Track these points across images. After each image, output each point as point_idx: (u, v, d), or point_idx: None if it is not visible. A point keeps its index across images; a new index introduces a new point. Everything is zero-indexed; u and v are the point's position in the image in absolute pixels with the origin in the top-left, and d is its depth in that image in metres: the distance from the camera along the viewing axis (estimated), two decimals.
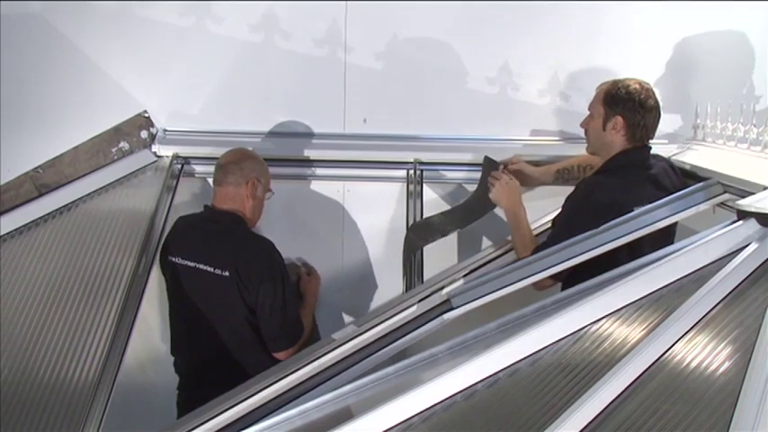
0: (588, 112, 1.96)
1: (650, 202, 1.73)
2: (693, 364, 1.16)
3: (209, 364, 2.00)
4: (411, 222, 2.28)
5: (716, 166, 1.85)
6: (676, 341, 1.21)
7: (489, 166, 2.14)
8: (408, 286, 2.13)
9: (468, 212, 2.20)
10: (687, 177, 1.95)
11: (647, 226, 1.67)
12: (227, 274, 1.92)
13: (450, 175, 2.37)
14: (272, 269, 1.96)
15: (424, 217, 2.27)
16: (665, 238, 1.76)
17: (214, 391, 1.62)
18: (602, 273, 1.55)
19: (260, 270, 1.93)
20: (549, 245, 1.79)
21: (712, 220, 1.66)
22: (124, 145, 2.29)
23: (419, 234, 2.21)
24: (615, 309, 1.36)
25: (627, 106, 1.86)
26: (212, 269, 1.94)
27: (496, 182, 2.04)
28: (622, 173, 1.86)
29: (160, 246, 2.08)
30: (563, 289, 1.77)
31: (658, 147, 2.24)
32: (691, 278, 1.39)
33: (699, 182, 1.80)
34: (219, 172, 2.03)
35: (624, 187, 1.82)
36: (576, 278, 1.63)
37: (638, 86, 1.87)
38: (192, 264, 1.98)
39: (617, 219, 1.69)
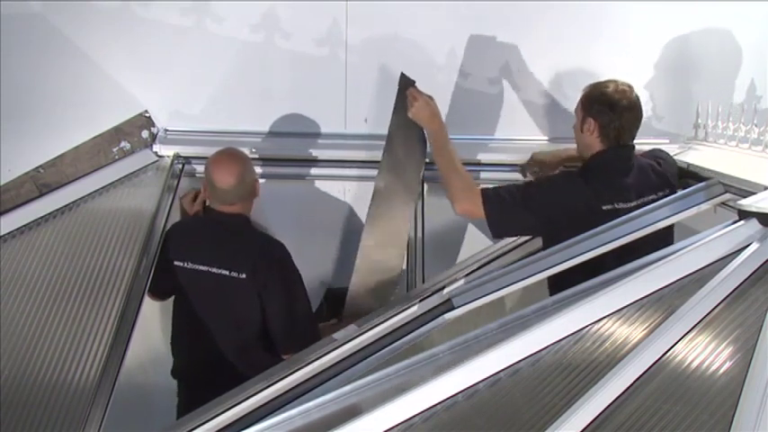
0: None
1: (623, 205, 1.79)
2: (694, 365, 1.16)
3: (212, 367, 1.99)
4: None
5: (717, 166, 1.85)
6: (677, 341, 1.22)
7: (406, 83, 2.02)
8: (409, 286, 2.13)
9: (402, 155, 2.04)
10: (688, 177, 1.95)
11: (647, 226, 1.67)
12: (243, 276, 1.91)
13: None
14: (290, 271, 1.96)
15: None
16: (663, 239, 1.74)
17: (215, 392, 1.61)
18: (598, 274, 1.55)
19: (279, 271, 1.94)
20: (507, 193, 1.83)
21: (713, 219, 1.66)
22: (125, 145, 2.29)
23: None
24: (616, 309, 1.36)
25: (597, 108, 1.87)
26: (228, 272, 1.92)
27: (415, 101, 1.96)
28: (596, 177, 1.83)
29: (160, 246, 2.06)
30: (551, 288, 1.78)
31: (659, 147, 2.26)
32: (692, 278, 1.39)
33: (700, 182, 1.80)
34: (224, 195, 1.95)
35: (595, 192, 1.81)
36: (572, 279, 1.63)
37: (613, 88, 1.86)
38: (203, 267, 1.95)
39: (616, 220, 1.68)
